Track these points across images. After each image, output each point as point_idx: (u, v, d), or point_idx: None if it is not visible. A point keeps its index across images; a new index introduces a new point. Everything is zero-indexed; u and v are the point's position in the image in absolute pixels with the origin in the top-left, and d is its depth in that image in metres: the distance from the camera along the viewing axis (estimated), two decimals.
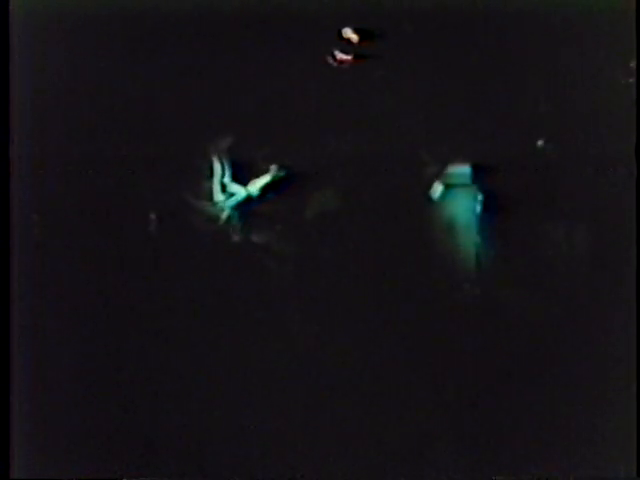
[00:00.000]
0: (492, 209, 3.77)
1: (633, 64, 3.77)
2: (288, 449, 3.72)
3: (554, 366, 3.76)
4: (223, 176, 3.80)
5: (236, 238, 3.78)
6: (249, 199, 3.79)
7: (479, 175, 3.76)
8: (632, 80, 3.77)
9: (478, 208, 3.78)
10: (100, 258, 3.77)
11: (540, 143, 3.79)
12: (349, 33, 3.80)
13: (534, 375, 3.76)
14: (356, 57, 3.80)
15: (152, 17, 3.79)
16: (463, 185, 3.79)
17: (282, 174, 3.78)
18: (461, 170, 3.80)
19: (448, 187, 3.80)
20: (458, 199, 3.79)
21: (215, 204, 3.79)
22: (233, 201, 3.79)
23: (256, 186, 3.79)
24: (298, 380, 3.74)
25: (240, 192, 3.79)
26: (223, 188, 3.80)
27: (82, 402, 3.73)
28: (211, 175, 3.80)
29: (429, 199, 3.80)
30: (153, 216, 3.78)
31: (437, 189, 3.78)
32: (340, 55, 3.80)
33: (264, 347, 3.76)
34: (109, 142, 3.78)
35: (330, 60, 3.80)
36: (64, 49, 3.80)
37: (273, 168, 3.79)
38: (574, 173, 3.79)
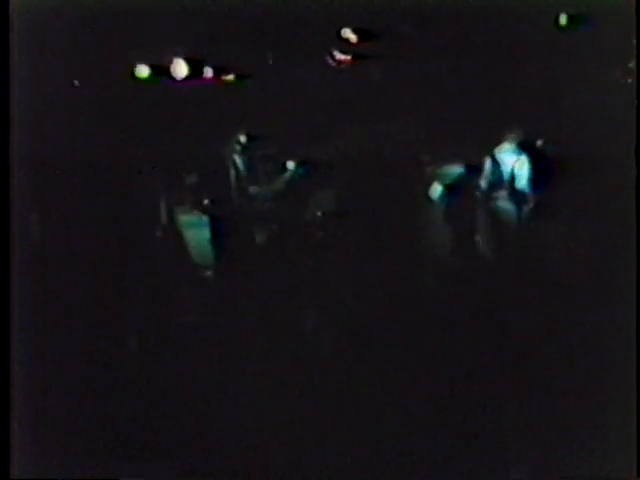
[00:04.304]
0: (491, 209, 3.77)
1: (633, 64, 3.77)
2: (288, 450, 3.72)
3: (554, 366, 3.76)
4: (240, 178, 3.78)
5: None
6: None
7: (478, 175, 3.77)
8: (632, 80, 3.77)
9: (477, 208, 3.78)
10: (100, 258, 3.77)
11: (540, 143, 3.79)
12: (348, 33, 3.80)
13: (534, 375, 3.76)
14: (355, 57, 3.79)
15: (154, 16, 3.79)
16: (462, 185, 3.79)
17: (300, 171, 3.76)
18: (460, 170, 3.80)
19: (447, 187, 3.80)
20: (456, 199, 3.79)
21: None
22: (262, 199, 3.75)
23: (279, 185, 3.76)
24: (297, 379, 3.74)
25: (263, 193, 3.76)
26: (243, 190, 3.78)
27: (82, 402, 3.74)
28: (229, 177, 3.78)
29: (428, 199, 3.80)
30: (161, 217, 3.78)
31: (436, 189, 3.78)
32: (339, 55, 3.79)
33: (263, 347, 3.77)
34: (112, 142, 3.78)
35: (329, 60, 3.79)
36: (65, 48, 3.80)
37: (291, 165, 3.76)
38: (574, 173, 3.79)
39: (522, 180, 3.78)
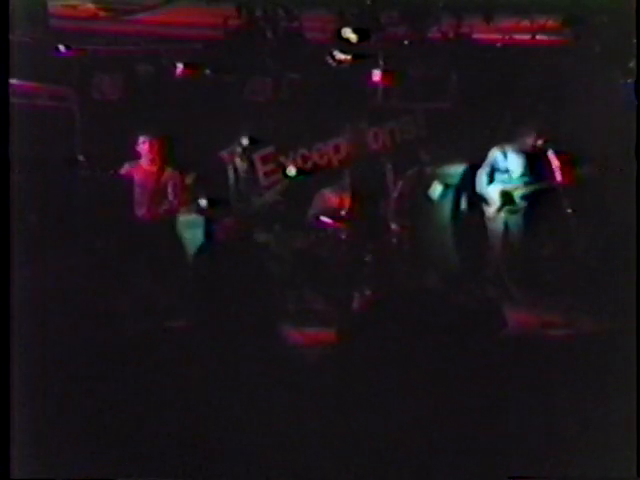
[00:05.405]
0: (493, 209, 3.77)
1: (633, 64, 3.78)
2: (287, 452, 3.73)
3: (554, 366, 3.77)
4: (239, 183, 3.79)
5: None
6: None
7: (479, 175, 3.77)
8: (632, 80, 3.78)
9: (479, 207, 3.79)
10: (99, 258, 3.78)
11: (540, 143, 3.80)
12: (348, 33, 3.80)
13: (534, 376, 3.76)
14: (355, 57, 3.80)
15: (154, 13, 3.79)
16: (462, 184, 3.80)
17: (300, 176, 3.77)
18: (460, 170, 3.80)
19: (447, 187, 3.81)
20: (456, 198, 3.79)
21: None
22: (263, 205, 3.76)
23: (278, 190, 3.77)
24: (296, 381, 3.75)
25: (263, 200, 3.77)
26: (245, 195, 3.78)
27: (82, 402, 3.74)
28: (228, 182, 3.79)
29: (429, 199, 3.81)
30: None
31: (436, 189, 3.80)
32: (339, 55, 3.80)
33: (263, 347, 3.77)
34: (112, 142, 3.79)
35: (329, 60, 3.80)
36: (64, 46, 3.81)
37: (291, 169, 3.77)
38: (574, 173, 3.80)
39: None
